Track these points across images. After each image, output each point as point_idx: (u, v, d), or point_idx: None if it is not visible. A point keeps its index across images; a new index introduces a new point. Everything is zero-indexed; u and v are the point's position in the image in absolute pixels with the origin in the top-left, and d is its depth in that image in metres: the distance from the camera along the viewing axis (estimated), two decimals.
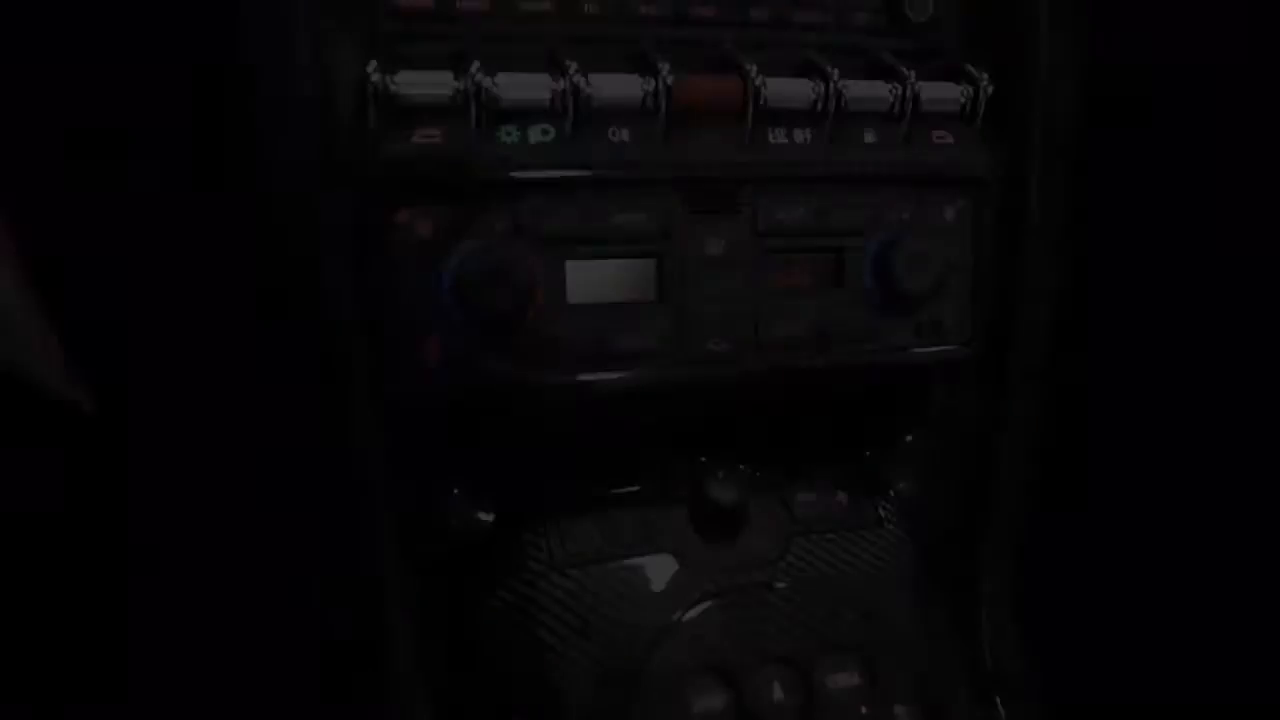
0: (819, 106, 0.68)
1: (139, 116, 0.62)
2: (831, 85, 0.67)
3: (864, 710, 0.71)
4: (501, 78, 0.62)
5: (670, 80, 0.64)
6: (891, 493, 0.82)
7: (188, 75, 0.66)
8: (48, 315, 0.43)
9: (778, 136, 0.69)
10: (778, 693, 0.70)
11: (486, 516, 0.74)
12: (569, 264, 0.66)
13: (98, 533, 0.78)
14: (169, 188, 0.61)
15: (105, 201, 0.61)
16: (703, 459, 0.78)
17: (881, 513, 0.79)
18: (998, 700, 0.80)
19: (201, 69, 0.66)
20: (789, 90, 0.67)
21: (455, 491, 0.74)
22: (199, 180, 0.62)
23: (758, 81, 0.66)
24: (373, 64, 0.60)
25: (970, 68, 0.73)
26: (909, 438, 0.83)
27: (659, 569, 0.71)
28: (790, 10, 0.73)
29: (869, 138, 0.71)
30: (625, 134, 0.66)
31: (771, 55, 0.71)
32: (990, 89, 0.72)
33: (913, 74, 0.70)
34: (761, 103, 0.66)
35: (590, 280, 0.66)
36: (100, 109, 0.62)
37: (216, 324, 0.69)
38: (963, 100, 0.72)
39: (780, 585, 0.71)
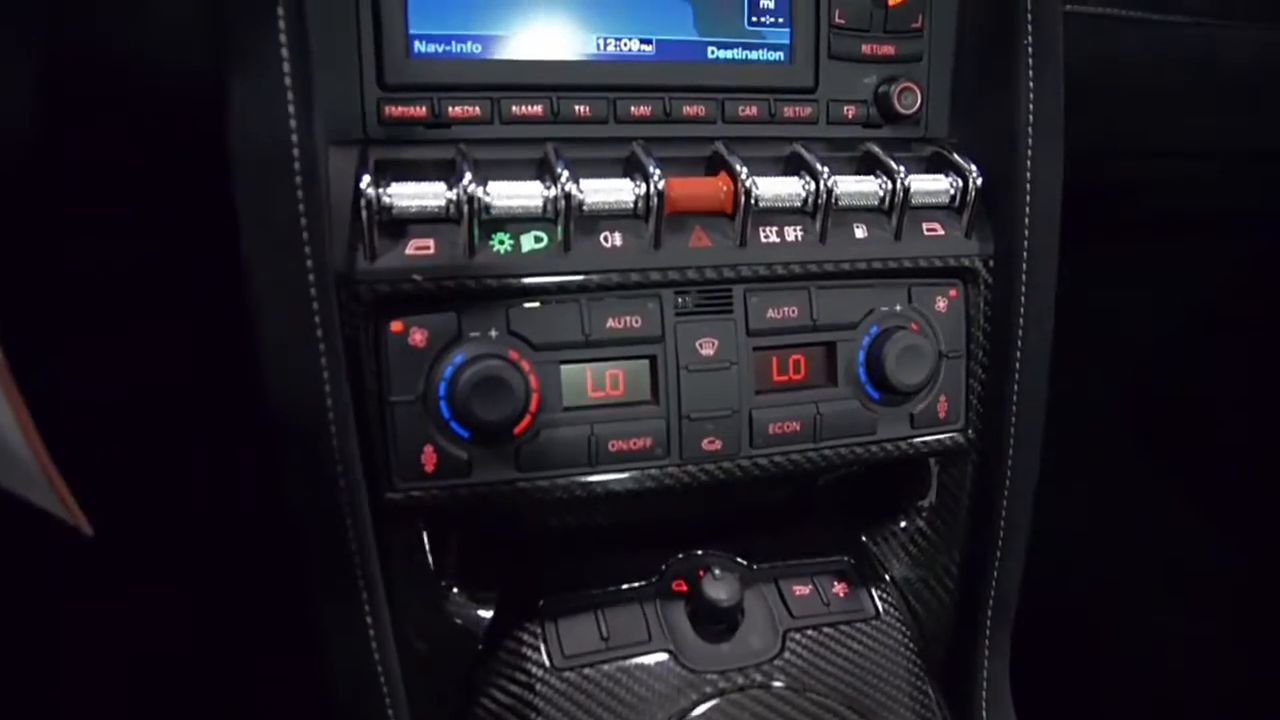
0: (810, 204, 0.69)
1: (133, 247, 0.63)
2: (822, 183, 0.68)
3: None
4: (494, 186, 0.63)
5: (661, 186, 0.64)
6: (888, 579, 0.82)
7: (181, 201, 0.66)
8: (47, 444, 0.43)
9: (769, 235, 0.69)
10: None
11: (484, 615, 0.74)
12: (563, 368, 0.66)
13: None
14: (164, 311, 0.62)
15: (105, 342, 0.62)
16: (699, 554, 0.77)
17: (879, 603, 0.79)
18: None
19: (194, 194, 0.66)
20: (780, 189, 0.68)
21: (454, 590, 0.74)
22: (195, 298, 0.62)
23: (748, 184, 0.66)
24: (366, 178, 0.61)
25: (959, 159, 0.73)
26: (904, 524, 0.83)
27: (657, 669, 0.71)
28: (779, 105, 0.73)
29: (860, 233, 0.71)
30: (617, 238, 0.66)
31: (761, 151, 0.71)
32: (979, 181, 0.72)
33: (903, 169, 0.70)
34: (752, 203, 0.67)
35: (584, 383, 0.67)
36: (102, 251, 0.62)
37: (213, 436, 0.69)
38: (952, 191, 0.73)
39: (779, 684, 0.71)
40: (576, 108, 0.69)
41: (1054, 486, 0.80)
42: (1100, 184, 0.88)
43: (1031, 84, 0.73)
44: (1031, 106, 0.73)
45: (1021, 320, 0.74)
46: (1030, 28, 0.73)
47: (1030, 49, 0.73)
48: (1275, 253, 1.27)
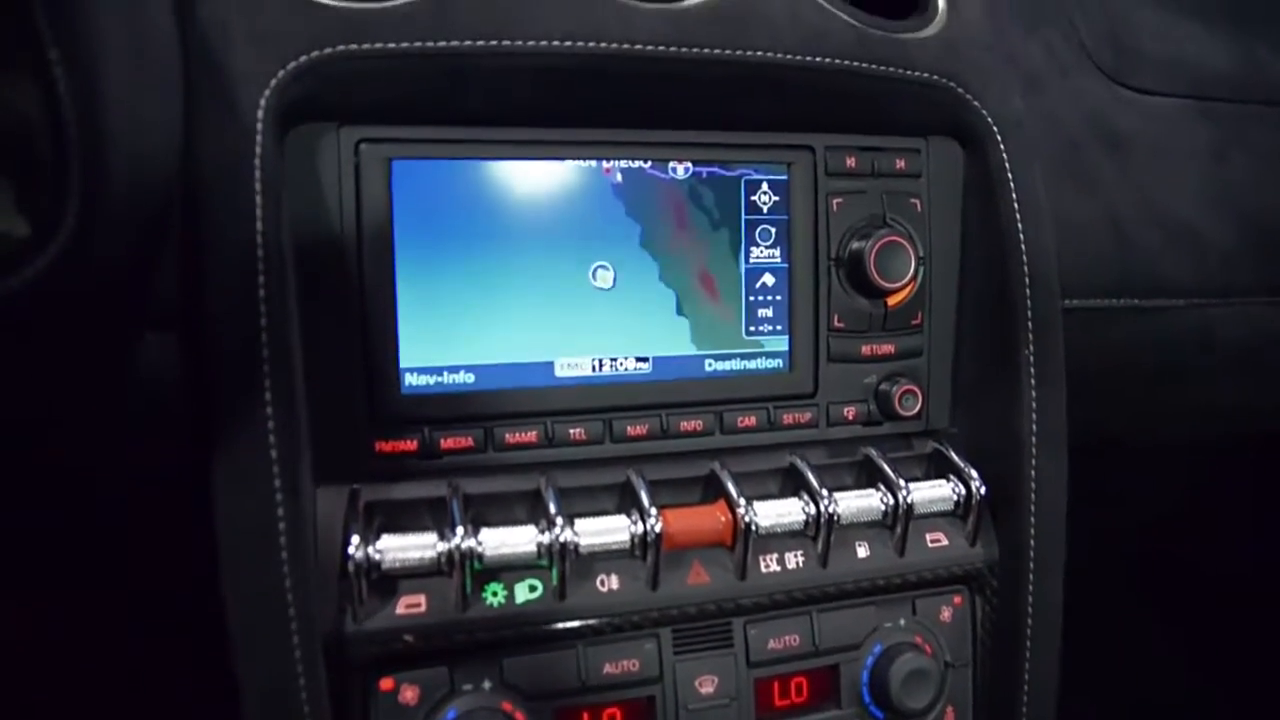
0: (811, 527, 0.67)
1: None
2: (823, 506, 0.66)
3: None
4: (486, 535, 0.61)
5: (658, 528, 0.62)
6: None
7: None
8: None
9: (769, 563, 0.68)
10: None
11: None
12: (560, 712, 0.64)
13: None
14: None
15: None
16: None
17: None
18: None
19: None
20: (780, 515, 0.67)
21: None
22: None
23: (747, 517, 0.65)
24: (355, 539, 0.59)
25: (961, 462, 0.72)
26: None
27: None
28: (778, 413, 0.72)
29: (862, 551, 0.70)
30: (614, 581, 0.64)
31: (759, 462, 0.70)
32: (983, 490, 0.71)
33: (905, 483, 0.69)
34: (752, 534, 0.65)
35: None
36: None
37: None
38: (955, 498, 0.71)
39: None
40: (572, 431, 0.68)
41: None
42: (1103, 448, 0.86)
43: (1034, 384, 0.72)
44: (1034, 408, 0.72)
45: (1030, 627, 0.73)
46: (1030, 326, 0.72)
47: (1031, 348, 0.72)
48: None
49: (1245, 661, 1.40)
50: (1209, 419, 0.97)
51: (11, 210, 0.46)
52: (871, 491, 0.70)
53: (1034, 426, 0.71)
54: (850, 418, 0.74)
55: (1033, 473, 0.72)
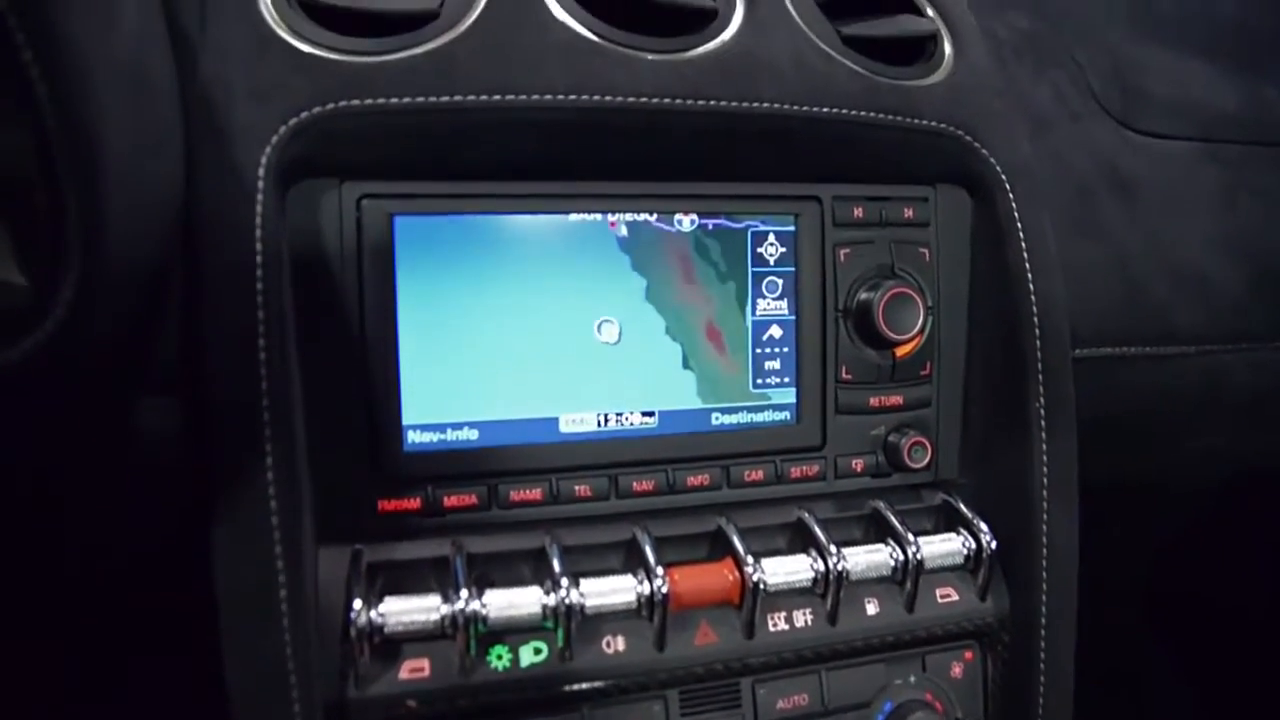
0: (820, 584, 0.66)
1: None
2: (831, 564, 0.65)
3: None
4: (490, 596, 0.60)
5: (665, 589, 0.61)
6: None
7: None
8: None
9: (777, 622, 0.67)
10: None
11: None
12: None
13: None
14: None
15: None
16: None
17: None
18: None
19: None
20: (788, 573, 0.65)
21: None
22: None
23: (755, 577, 0.64)
24: (358, 603, 0.58)
25: (971, 515, 0.71)
26: None
27: None
28: (786, 466, 0.71)
29: (871, 608, 0.69)
30: (620, 643, 0.63)
31: (767, 516, 0.69)
32: (994, 545, 0.70)
33: (915, 539, 0.68)
34: (760, 592, 0.64)
35: None
36: None
37: None
38: (965, 552, 0.70)
39: None
40: (577, 488, 0.67)
41: None
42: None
43: (1044, 437, 0.71)
44: (1045, 461, 0.71)
45: (1042, 683, 0.71)
46: (1041, 377, 0.72)
47: (1042, 400, 0.71)
48: None
49: (1255, 694, 1.38)
50: (1220, 462, 0.96)
51: (11, 264, 0.45)
52: (880, 546, 0.69)
53: (1045, 480, 0.70)
54: (858, 470, 0.73)
55: (1044, 527, 0.71)
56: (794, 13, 0.71)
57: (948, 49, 0.75)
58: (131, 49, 0.48)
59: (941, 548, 0.70)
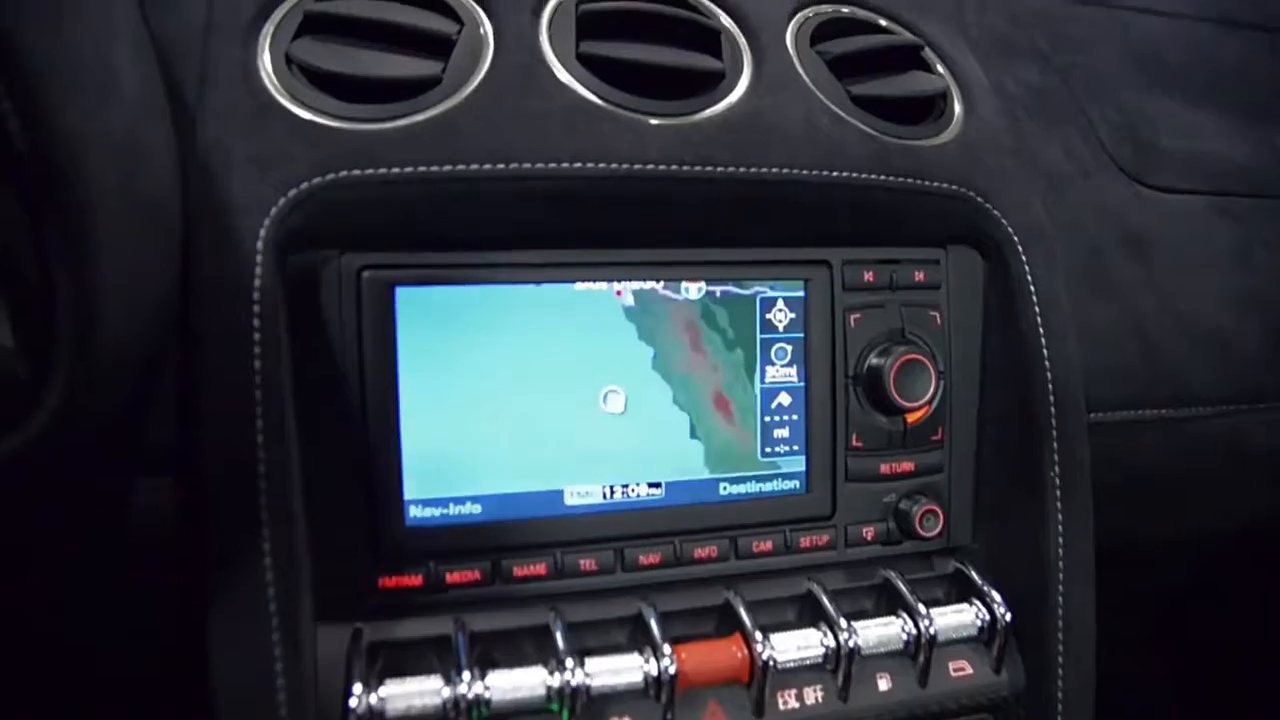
0: (830, 660, 0.64)
1: None
2: (842, 639, 0.64)
3: None
4: (493, 678, 0.58)
5: (673, 670, 0.60)
6: None
7: None
8: None
9: (788, 700, 0.65)
10: None
11: None
12: None
13: None
14: None
15: None
16: None
17: None
18: None
19: None
20: (798, 649, 0.64)
21: None
22: None
23: (765, 654, 0.62)
24: (358, 687, 0.56)
25: (985, 585, 0.70)
26: None
27: None
28: (795, 536, 0.70)
29: (883, 684, 0.67)
30: None
31: (776, 588, 0.68)
32: (1008, 617, 0.68)
33: (928, 612, 0.66)
34: (770, 670, 0.62)
35: None
36: None
37: None
38: (980, 624, 0.69)
39: None
40: (582, 562, 0.65)
41: None
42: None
43: (1060, 507, 0.69)
44: (1061, 533, 0.69)
45: None
46: (1055, 445, 0.70)
47: (1057, 469, 0.70)
48: None
49: None
50: (1238, 520, 0.94)
51: (9, 340, 0.44)
52: (892, 619, 0.67)
53: (1060, 551, 0.68)
54: (869, 538, 0.72)
55: (1060, 599, 0.69)
56: (802, 73, 0.70)
57: (958, 107, 0.74)
58: (129, 125, 0.47)
59: (955, 619, 0.68)
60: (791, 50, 0.71)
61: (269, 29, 0.62)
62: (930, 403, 0.70)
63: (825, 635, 0.65)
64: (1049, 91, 0.84)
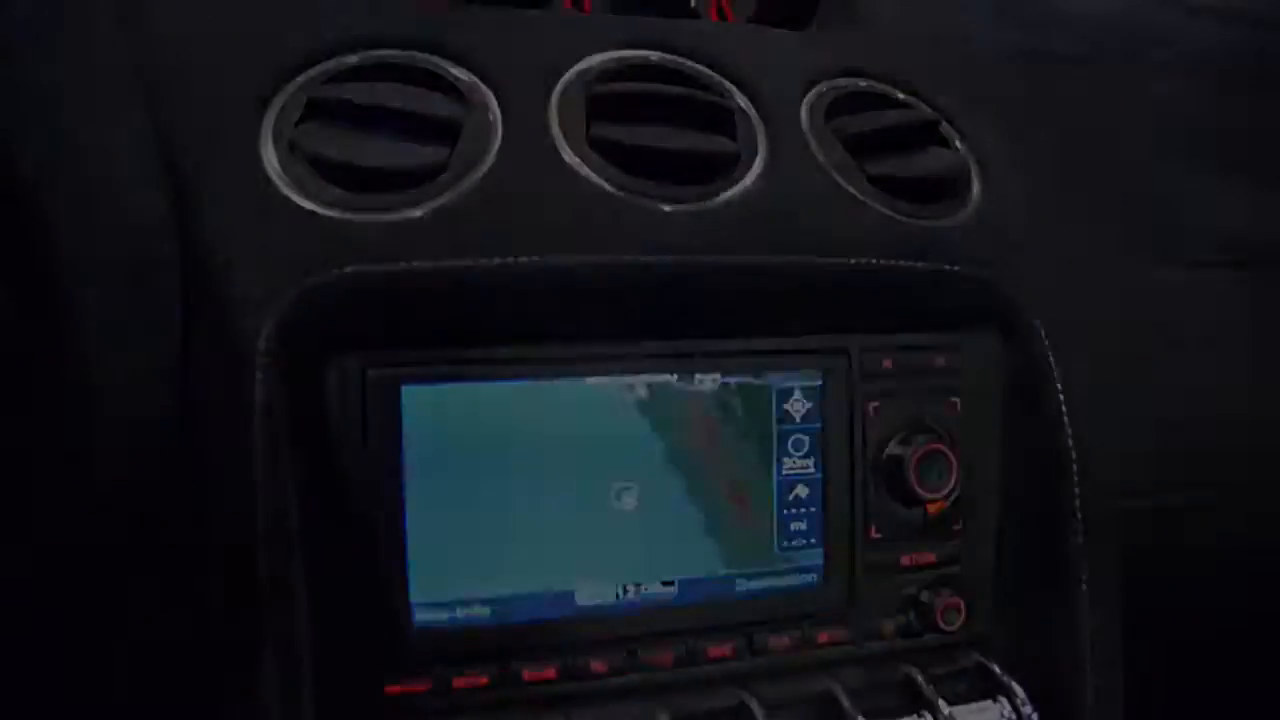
0: None
1: None
2: None
3: None
4: None
5: None
6: None
7: None
8: None
9: None
10: None
11: None
12: None
13: None
14: None
15: None
16: None
17: None
18: None
19: None
20: None
21: None
22: None
23: None
24: None
25: (1008, 679, 0.67)
26: None
27: None
28: (813, 632, 0.68)
29: None
30: None
31: (792, 687, 0.66)
32: (1034, 715, 0.66)
33: (950, 711, 0.64)
34: None
35: None
36: None
37: None
38: None
39: None
40: (593, 664, 0.63)
41: None
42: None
43: (1088, 605, 0.67)
44: (1090, 633, 0.67)
45: None
46: (1082, 539, 0.68)
47: (1085, 566, 0.67)
48: None
49: None
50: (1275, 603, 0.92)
51: None
52: (914, 719, 0.65)
53: (1089, 652, 0.66)
54: (889, 632, 0.70)
55: (1088, 696, 0.67)
56: (818, 154, 0.68)
57: (976, 185, 0.73)
58: (132, 245, 0.46)
59: (979, 718, 0.66)
60: (807, 129, 0.69)
61: (271, 117, 0.60)
62: (952, 492, 0.68)
63: None
64: (1070, 162, 0.82)
